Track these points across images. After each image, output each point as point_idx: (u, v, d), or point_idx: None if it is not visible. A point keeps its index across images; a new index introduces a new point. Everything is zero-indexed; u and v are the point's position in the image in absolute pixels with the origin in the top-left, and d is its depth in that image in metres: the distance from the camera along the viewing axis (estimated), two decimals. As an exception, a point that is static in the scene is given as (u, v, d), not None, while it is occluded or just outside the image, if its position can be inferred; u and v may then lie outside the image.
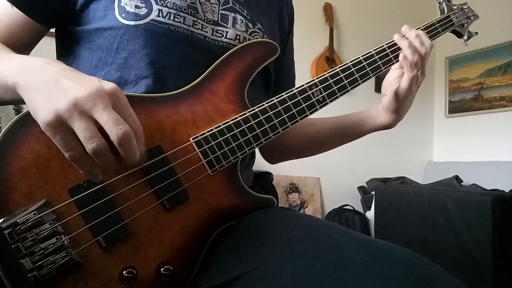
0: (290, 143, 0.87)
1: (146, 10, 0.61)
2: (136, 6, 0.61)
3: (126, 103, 0.46)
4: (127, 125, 0.44)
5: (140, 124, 0.47)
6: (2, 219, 0.44)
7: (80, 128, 0.42)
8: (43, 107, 0.44)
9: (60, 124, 0.43)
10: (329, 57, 2.86)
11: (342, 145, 0.89)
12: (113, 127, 0.42)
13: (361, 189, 2.93)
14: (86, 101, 0.43)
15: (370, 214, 2.63)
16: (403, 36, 0.75)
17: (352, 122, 0.84)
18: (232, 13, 0.70)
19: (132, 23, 0.61)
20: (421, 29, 0.80)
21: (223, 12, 0.69)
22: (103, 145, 0.43)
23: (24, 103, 0.48)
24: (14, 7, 0.61)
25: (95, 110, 0.43)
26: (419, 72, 0.75)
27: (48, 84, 0.45)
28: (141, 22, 0.61)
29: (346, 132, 0.85)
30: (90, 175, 0.45)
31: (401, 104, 0.76)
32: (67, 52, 0.67)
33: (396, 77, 0.76)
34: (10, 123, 0.48)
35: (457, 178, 2.71)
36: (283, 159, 0.93)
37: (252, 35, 0.71)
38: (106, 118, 0.43)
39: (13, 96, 0.51)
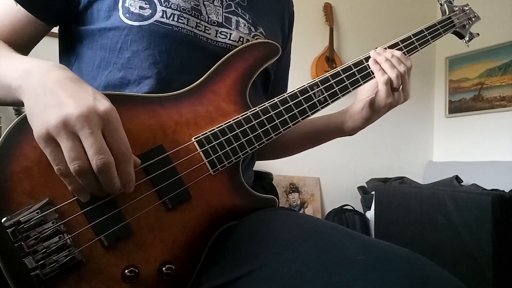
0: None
1: (151, 11, 0.62)
2: (141, 7, 0.61)
3: (118, 126, 0.46)
4: (109, 154, 0.44)
5: (129, 148, 0.47)
6: (5, 218, 0.45)
7: (65, 147, 0.43)
8: (37, 119, 0.45)
9: (50, 139, 0.44)
10: (329, 57, 2.86)
11: (307, 149, 0.89)
12: (94, 155, 0.43)
13: (361, 189, 2.93)
14: (76, 121, 0.43)
15: (370, 214, 2.63)
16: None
17: (319, 126, 0.84)
18: (235, 16, 0.70)
19: (136, 23, 0.61)
20: (423, 30, 0.81)
21: (226, 14, 0.69)
22: (85, 167, 0.44)
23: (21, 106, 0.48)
24: (18, 4, 0.61)
25: (82, 133, 0.43)
26: (400, 88, 0.73)
27: (46, 94, 0.46)
28: (145, 22, 0.61)
29: (312, 136, 0.85)
30: (75, 191, 0.47)
31: (374, 113, 0.75)
32: (70, 52, 0.67)
33: (374, 86, 0.75)
34: (13, 123, 0.48)
35: (457, 178, 2.71)
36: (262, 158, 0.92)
37: (255, 38, 0.71)
38: (90, 145, 0.43)
39: (14, 99, 0.52)
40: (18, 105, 0.55)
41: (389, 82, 0.71)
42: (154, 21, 0.62)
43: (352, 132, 0.80)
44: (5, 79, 0.51)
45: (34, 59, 0.53)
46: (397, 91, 0.73)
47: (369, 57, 0.74)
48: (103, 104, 0.46)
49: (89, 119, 0.43)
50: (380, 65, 0.72)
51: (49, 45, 0.72)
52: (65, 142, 0.43)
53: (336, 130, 0.82)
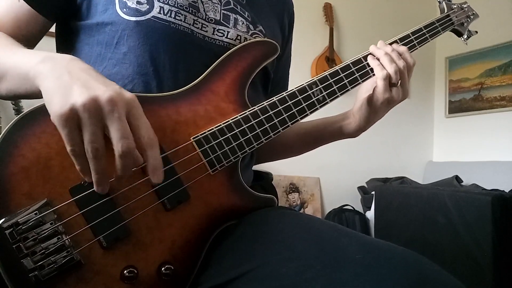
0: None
1: (148, 6, 0.62)
2: (138, 2, 0.61)
3: (142, 113, 0.47)
4: (133, 141, 0.44)
5: (154, 134, 0.47)
6: (3, 219, 0.45)
7: (88, 128, 0.43)
8: (61, 97, 0.43)
9: (72, 118, 0.43)
10: (329, 57, 2.86)
11: (307, 151, 0.87)
12: (120, 139, 0.43)
13: (361, 189, 2.93)
14: (106, 102, 0.43)
15: (370, 214, 2.63)
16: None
17: (318, 127, 0.83)
18: (233, 14, 0.70)
19: (133, 18, 0.61)
20: (421, 28, 0.81)
21: (225, 12, 0.69)
22: (103, 150, 0.44)
23: (33, 98, 0.48)
24: (20, 0, 0.62)
25: (110, 116, 0.43)
26: (398, 84, 0.72)
27: (72, 77, 0.45)
28: (142, 18, 0.61)
29: (310, 137, 0.84)
30: (82, 172, 0.46)
31: (372, 110, 0.74)
32: (67, 48, 0.67)
33: (374, 84, 0.73)
34: (11, 123, 0.48)
35: (457, 178, 2.71)
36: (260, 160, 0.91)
37: (253, 36, 0.71)
38: (116, 129, 0.43)
39: (28, 88, 0.51)
40: (26, 97, 0.55)
41: (387, 77, 0.70)
42: (151, 16, 0.61)
43: (355, 133, 0.79)
44: (23, 67, 0.51)
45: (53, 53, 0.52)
46: (396, 86, 0.72)
47: (368, 54, 0.73)
48: (128, 93, 0.46)
49: (117, 103, 0.44)
50: (379, 60, 0.71)
51: (50, 46, 0.72)
52: (89, 123, 0.43)
53: (337, 130, 0.80)
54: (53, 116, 0.43)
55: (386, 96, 0.71)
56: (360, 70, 0.72)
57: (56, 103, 0.43)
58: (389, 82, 0.71)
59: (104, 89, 0.44)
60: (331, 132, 0.82)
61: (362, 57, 0.73)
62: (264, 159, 0.89)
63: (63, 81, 0.45)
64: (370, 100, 0.73)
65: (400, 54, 0.72)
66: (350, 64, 0.71)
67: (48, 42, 0.72)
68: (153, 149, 0.47)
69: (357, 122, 0.77)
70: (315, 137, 0.84)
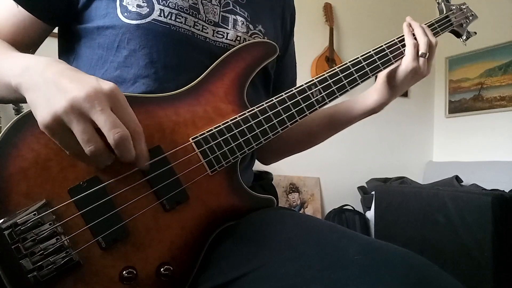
0: (287, 139, 0.86)
1: (148, 9, 0.62)
2: (138, 5, 0.61)
3: (125, 102, 0.47)
4: (124, 127, 0.45)
5: (139, 124, 0.48)
6: (2, 220, 0.45)
7: (78, 130, 0.43)
8: (42, 109, 0.44)
9: (58, 125, 0.43)
10: (329, 57, 2.86)
11: (333, 135, 0.88)
12: (110, 130, 0.44)
13: (361, 189, 2.93)
14: (84, 102, 0.43)
15: (370, 214, 2.63)
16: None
17: (341, 109, 0.84)
18: (232, 15, 0.70)
19: (134, 22, 0.61)
20: None
21: (224, 14, 0.69)
22: (101, 147, 0.45)
23: (26, 102, 0.48)
24: (19, 6, 0.62)
25: (93, 112, 0.43)
26: (426, 56, 0.76)
27: (48, 85, 0.45)
28: (143, 21, 0.61)
29: (335, 120, 0.85)
30: (93, 166, 0.47)
31: (397, 83, 0.77)
32: (69, 51, 0.67)
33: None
34: (10, 124, 0.48)
35: (457, 178, 2.71)
36: (278, 157, 0.92)
37: (253, 36, 0.71)
38: (103, 121, 0.43)
39: (16, 96, 0.52)
40: (20, 101, 0.55)
41: (417, 46, 0.75)
42: (152, 19, 0.61)
43: (378, 107, 0.81)
44: (5, 78, 0.51)
45: (32, 56, 0.53)
46: (424, 57, 0.75)
47: (368, 56, 0.74)
48: (107, 84, 0.46)
49: (96, 98, 0.44)
50: (412, 28, 0.76)
51: (49, 45, 0.72)
52: (76, 125, 0.43)
53: (362, 109, 0.82)
54: (41, 128, 0.44)
55: (414, 65, 0.75)
56: (359, 71, 0.72)
57: (41, 115, 0.44)
58: (417, 53, 0.75)
59: (79, 88, 0.44)
60: (356, 113, 0.83)
61: (362, 58, 0.73)
62: (290, 151, 0.90)
63: (41, 91, 0.45)
64: (395, 72, 0.77)
65: (430, 32, 0.78)
66: (350, 65, 0.72)
67: (50, 44, 0.72)
68: (138, 141, 0.47)
69: (380, 95, 0.80)
70: (339, 120, 0.85)
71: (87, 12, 0.64)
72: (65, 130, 0.44)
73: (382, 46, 0.75)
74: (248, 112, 0.61)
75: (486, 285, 1.70)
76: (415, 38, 0.76)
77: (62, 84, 0.45)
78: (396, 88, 0.79)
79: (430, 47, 0.76)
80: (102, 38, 0.63)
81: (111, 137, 0.44)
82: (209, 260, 0.56)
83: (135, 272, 0.49)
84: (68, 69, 0.48)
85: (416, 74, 0.76)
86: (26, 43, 0.64)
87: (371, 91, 0.82)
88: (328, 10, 2.91)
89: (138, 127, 0.47)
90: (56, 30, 0.69)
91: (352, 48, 3.01)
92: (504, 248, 1.71)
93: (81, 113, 0.43)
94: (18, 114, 0.48)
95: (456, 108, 3.45)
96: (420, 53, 0.75)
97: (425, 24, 0.82)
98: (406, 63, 0.75)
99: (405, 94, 3.28)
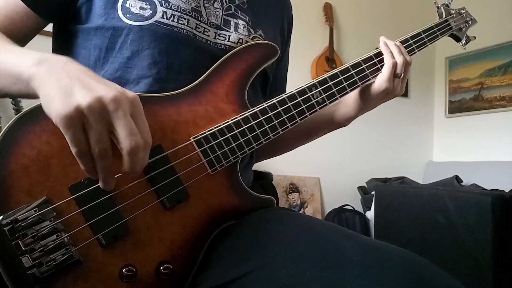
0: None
1: (151, 11, 0.62)
2: (141, 8, 0.62)
3: (143, 113, 0.47)
4: (140, 136, 0.44)
5: (150, 137, 0.47)
6: (2, 216, 0.45)
7: (94, 128, 0.42)
8: (63, 99, 0.42)
9: (77, 119, 0.42)
10: (329, 57, 2.86)
11: (300, 145, 0.88)
12: (128, 136, 0.43)
13: (361, 189, 2.93)
14: (110, 103, 0.43)
15: (370, 214, 2.63)
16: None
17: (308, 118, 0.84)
18: (234, 19, 0.70)
19: (136, 23, 0.61)
20: (420, 32, 0.82)
21: (226, 17, 0.70)
22: (109, 150, 0.44)
23: (26, 98, 0.48)
24: None
25: (115, 115, 0.43)
26: (401, 77, 0.75)
27: (72, 79, 0.44)
28: (146, 23, 0.61)
29: (302, 130, 0.84)
30: (89, 171, 0.45)
31: (368, 99, 0.76)
32: (64, 50, 0.67)
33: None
34: (11, 121, 0.48)
35: (457, 178, 2.71)
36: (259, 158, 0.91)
37: (254, 39, 0.71)
38: (123, 125, 0.43)
39: (21, 88, 0.50)
40: (20, 96, 0.54)
41: (395, 66, 0.74)
42: (155, 21, 0.62)
43: (344, 121, 0.81)
44: (16, 67, 0.50)
45: (41, 52, 0.51)
46: (398, 78, 0.75)
47: (368, 58, 0.75)
48: (130, 92, 0.46)
49: (122, 102, 0.43)
50: (390, 48, 0.75)
51: (42, 44, 0.71)
52: (94, 123, 0.42)
53: (328, 119, 0.82)
54: (57, 118, 0.42)
55: (387, 85, 0.74)
56: (359, 73, 0.73)
57: (58, 105, 0.42)
58: (394, 73, 0.74)
59: (107, 89, 0.44)
60: (322, 122, 0.83)
61: (362, 60, 0.74)
62: (260, 157, 0.89)
63: (63, 84, 0.44)
64: (369, 88, 0.76)
65: (404, 51, 0.77)
66: (350, 67, 0.72)
67: (43, 42, 0.71)
68: (146, 152, 0.46)
69: (348, 109, 0.80)
70: (307, 127, 0.84)
71: (86, 11, 0.63)
72: (80, 126, 0.43)
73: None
74: (248, 112, 0.61)
75: (486, 285, 1.70)
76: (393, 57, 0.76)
77: (88, 82, 0.44)
78: (366, 105, 0.78)
79: (406, 65, 0.76)
80: (100, 39, 0.62)
81: (127, 143, 0.43)
82: (209, 260, 0.56)
83: (135, 270, 0.49)
84: (91, 71, 0.48)
85: (388, 94, 0.76)
86: (21, 35, 0.63)
87: (339, 107, 0.81)
88: (328, 10, 2.91)
89: (150, 139, 0.47)
90: (49, 28, 0.68)
91: (352, 48, 3.01)
92: (504, 248, 1.71)
93: (105, 113, 0.43)
94: (18, 113, 0.48)
95: (456, 108, 3.45)
96: (395, 73, 0.75)
97: (425, 28, 0.83)
98: (379, 83, 0.74)
99: (405, 94, 3.28)
